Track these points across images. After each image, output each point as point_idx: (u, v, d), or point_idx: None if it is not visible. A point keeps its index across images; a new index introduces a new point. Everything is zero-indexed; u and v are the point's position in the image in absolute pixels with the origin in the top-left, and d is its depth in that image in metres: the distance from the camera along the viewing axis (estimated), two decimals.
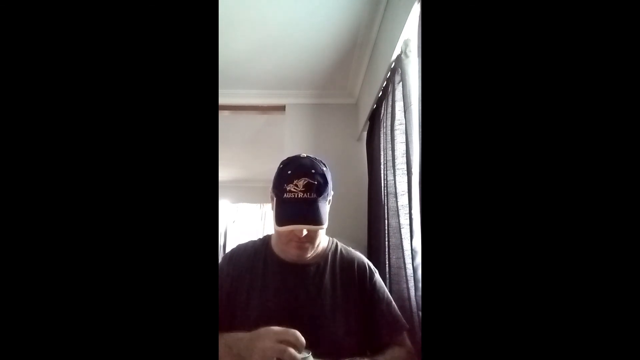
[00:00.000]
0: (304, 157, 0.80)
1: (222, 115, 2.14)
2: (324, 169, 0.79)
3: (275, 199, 0.77)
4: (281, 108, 2.05)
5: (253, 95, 2.00)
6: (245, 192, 4.38)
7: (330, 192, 0.79)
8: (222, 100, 1.96)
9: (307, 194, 0.73)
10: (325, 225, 0.74)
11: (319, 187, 0.75)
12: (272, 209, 0.81)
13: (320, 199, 0.74)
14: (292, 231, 0.75)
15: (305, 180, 0.74)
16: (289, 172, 0.76)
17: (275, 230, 0.80)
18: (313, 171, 0.76)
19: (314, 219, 0.72)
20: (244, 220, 4.79)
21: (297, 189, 0.73)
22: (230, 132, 2.68)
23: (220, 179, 3.86)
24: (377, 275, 0.87)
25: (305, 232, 0.74)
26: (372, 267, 0.87)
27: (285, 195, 0.74)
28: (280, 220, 0.73)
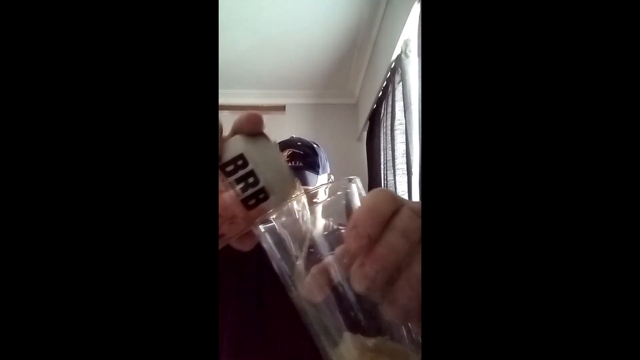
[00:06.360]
0: (292, 137, 0.80)
1: (222, 115, 2.13)
2: (315, 146, 0.78)
3: None
4: (281, 108, 2.05)
5: (253, 95, 2.00)
6: None
7: (325, 167, 0.78)
8: (222, 100, 1.96)
9: (291, 163, 0.73)
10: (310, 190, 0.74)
11: (306, 157, 0.74)
12: None
13: (306, 167, 0.73)
14: None
15: (290, 150, 0.75)
16: None
17: None
18: (299, 143, 0.76)
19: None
20: None
21: None
22: None
23: None
24: None
25: None
26: None
27: None
28: None
